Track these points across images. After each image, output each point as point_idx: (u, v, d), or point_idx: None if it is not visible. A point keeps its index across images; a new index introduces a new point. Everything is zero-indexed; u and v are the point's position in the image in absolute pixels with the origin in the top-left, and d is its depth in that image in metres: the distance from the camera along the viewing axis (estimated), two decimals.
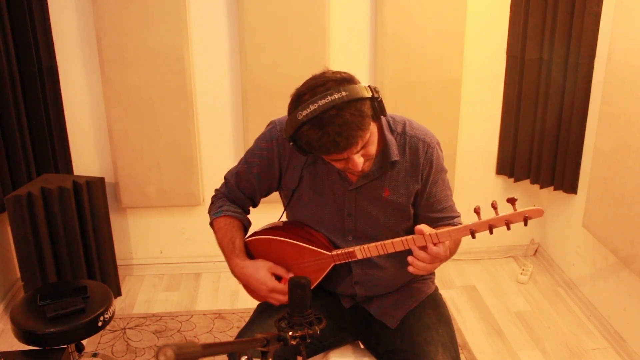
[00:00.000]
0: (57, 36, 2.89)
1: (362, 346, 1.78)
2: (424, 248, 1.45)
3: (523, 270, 3.29)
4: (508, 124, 3.21)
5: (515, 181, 3.26)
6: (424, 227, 1.45)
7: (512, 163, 3.24)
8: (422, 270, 1.46)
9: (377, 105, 1.39)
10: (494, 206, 1.39)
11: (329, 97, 1.33)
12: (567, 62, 2.85)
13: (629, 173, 2.40)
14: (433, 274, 1.84)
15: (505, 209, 1.41)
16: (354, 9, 2.99)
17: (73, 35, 2.93)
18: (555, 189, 3.09)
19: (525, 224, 1.40)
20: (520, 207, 1.40)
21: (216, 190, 1.80)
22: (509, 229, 1.42)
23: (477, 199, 3.57)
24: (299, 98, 1.39)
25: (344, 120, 1.33)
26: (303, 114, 1.35)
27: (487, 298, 3.09)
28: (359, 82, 1.40)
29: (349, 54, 3.05)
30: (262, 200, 1.79)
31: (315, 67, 3.17)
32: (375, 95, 1.39)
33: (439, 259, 1.46)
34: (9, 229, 2.82)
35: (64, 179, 2.80)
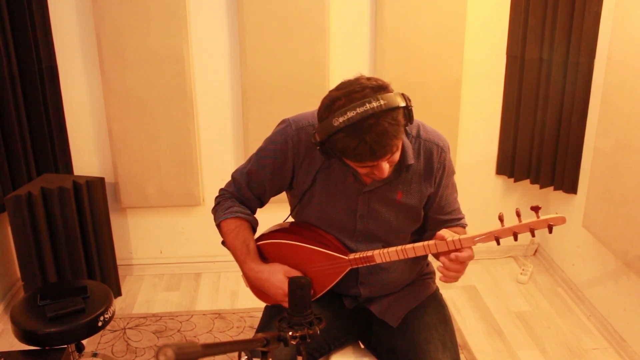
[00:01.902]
0: (57, 36, 2.89)
1: (362, 346, 1.78)
2: (448, 256, 1.46)
3: (523, 270, 3.29)
4: (508, 124, 3.21)
5: (515, 181, 3.27)
6: (445, 233, 1.46)
7: (512, 163, 3.25)
8: (454, 278, 1.48)
9: (407, 114, 1.38)
10: (518, 213, 1.42)
11: (367, 105, 1.31)
12: (567, 62, 2.85)
13: (629, 173, 2.40)
14: (434, 273, 1.84)
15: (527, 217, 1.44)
16: (354, 9, 2.99)
17: (73, 35, 2.93)
18: (555, 189, 3.09)
19: (550, 231, 1.42)
20: (542, 214, 1.43)
21: (222, 189, 1.75)
22: (533, 235, 1.44)
23: (477, 198, 3.58)
24: (333, 103, 1.36)
25: (382, 129, 1.31)
26: (340, 120, 1.32)
27: (487, 298, 3.09)
28: (393, 90, 1.39)
29: (349, 54, 3.05)
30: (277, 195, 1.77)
31: (315, 67, 3.19)
32: (409, 104, 1.38)
33: (465, 265, 1.48)
34: (9, 229, 2.82)
35: (64, 179, 2.80)
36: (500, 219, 1.43)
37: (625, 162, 2.42)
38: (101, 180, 2.89)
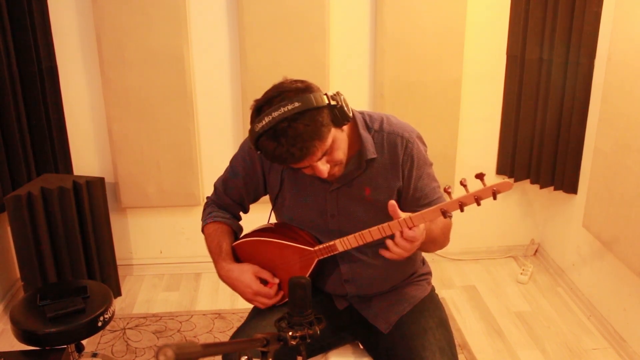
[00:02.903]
0: (57, 36, 2.89)
1: (361, 347, 1.78)
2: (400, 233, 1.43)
3: (523, 270, 3.29)
4: (508, 124, 3.21)
5: (515, 181, 3.26)
6: (399, 212, 1.42)
7: (512, 163, 3.24)
8: (398, 255, 1.44)
9: (337, 112, 1.40)
10: (462, 184, 1.38)
11: (282, 109, 1.35)
12: (567, 62, 2.85)
13: (629, 173, 2.40)
14: (430, 273, 1.83)
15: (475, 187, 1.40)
16: (354, 9, 2.99)
17: (73, 35, 2.93)
18: (555, 189, 3.09)
19: (495, 198, 1.39)
20: (490, 183, 1.38)
21: (207, 197, 1.83)
22: (479, 204, 1.40)
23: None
24: (258, 109, 1.41)
25: (297, 131, 1.34)
26: (259, 126, 1.38)
27: (487, 298, 3.09)
28: (317, 91, 1.40)
29: (349, 54, 3.05)
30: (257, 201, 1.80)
31: (315, 67, 3.19)
32: (333, 102, 1.39)
33: (416, 243, 1.43)
34: (9, 229, 2.82)
35: (64, 179, 2.80)
36: (447, 191, 1.41)
37: (625, 162, 2.42)
38: (101, 180, 2.89)
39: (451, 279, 3.28)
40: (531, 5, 2.92)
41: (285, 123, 1.34)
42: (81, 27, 2.92)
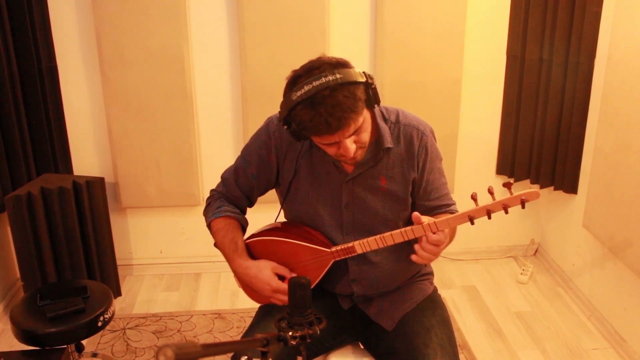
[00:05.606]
0: (57, 36, 2.89)
1: (361, 347, 1.78)
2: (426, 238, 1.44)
3: (523, 270, 3.29)
4: (508, 124, 3.21)
5: (515, 181, 3.26)
6: (422, 217, 1.45)
7: (512, 163, 3.25)
8: (426, 259, 1.46)
9: (371, 92, 1.42)
10: (490, 191, 1.39)
11: (323, 79, 1.36)
12: (567, 62, 2.85)
13: (629, 173, 2.40)
14: (432, 274, 1.84)
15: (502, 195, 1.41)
16: (354, 9, 3.00)
17: (73, 35, 2.93)
18: (555, 189, 3.09)
19: (523, 207, 1.40)
20: (517, 191, 1.40)
21: (212, 190, 1.79)
22: (506, 212, 1.41)
23: (477, 198, 3.55)
24: (295, 80, 1.41)
25: (336, 101, 1.35)
26: (297, 94, 1.37)
27: (487, 298, 3.09)
28: (354, 68, 1.42)
29: (349, 54, 3.02)
30: (259, 200, 1.79)
31: None
32: (370, 81, 1.41)
33: (441, 247, 1.45)
34: (9, 229, 2.82)
35: (63, 179, 2.80)
36: (474, 198, 1.41)
37: (625, 162, 2.42)
38: (101, 180, 2.89)
39: (451, 279, 3.28)
40: (531, 5, 2.92)
41: (327, 92, 1.35)
42: (81, 27, 2.92)
